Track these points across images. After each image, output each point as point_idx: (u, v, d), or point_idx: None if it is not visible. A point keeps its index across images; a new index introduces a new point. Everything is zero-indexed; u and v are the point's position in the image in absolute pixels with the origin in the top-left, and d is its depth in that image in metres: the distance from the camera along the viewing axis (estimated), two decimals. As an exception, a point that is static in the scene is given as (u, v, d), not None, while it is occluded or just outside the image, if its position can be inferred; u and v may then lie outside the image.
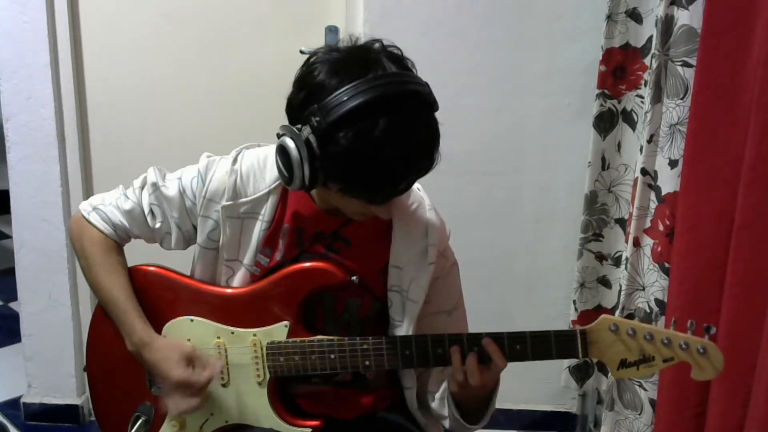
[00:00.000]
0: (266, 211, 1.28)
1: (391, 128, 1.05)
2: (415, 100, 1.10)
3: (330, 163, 1.09)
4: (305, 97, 1.10)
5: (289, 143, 1.10)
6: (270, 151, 1.27)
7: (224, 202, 1.27)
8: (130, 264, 1.36)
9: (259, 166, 1.29)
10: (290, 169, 1.11)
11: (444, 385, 1.32)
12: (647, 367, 1.19)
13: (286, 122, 1.15)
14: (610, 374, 1.25)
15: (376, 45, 1.13)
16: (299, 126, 1.10)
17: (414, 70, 1.14)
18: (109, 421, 1.40)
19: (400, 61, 1.12)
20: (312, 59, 1.13)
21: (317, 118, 1.07)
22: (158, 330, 1.31)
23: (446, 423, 1.34)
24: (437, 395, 1.35)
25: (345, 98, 1.05)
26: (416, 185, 1.30)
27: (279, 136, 1.13)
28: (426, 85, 1.12)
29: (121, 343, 1.31)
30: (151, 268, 1.35)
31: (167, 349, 1.28)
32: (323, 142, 1.07)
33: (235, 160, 1.29)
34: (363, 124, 1.05)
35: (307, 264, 1.27)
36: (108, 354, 1.36)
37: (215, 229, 1.29)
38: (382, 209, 1.20)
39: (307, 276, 1.27)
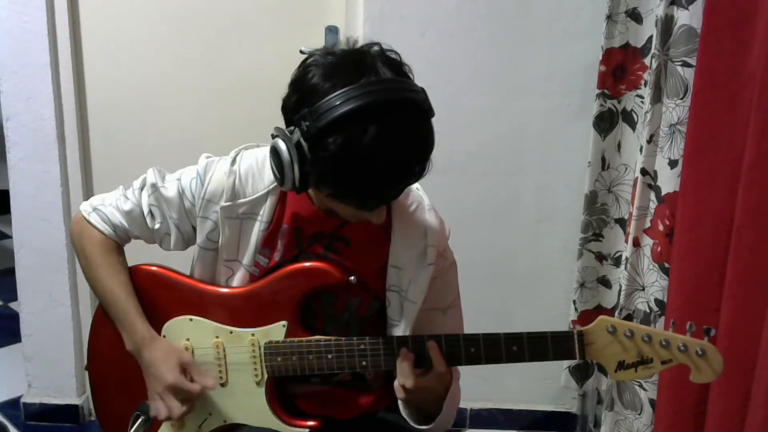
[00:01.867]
0: (265, 212, 1.27)
1: (381, 136, 1.04)
2: (408, 107, 1.08)
3: (319, 167, 1.08)
4: (298, 100, 1.10)
5: (281, 145, 1.10)
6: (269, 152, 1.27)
7: (223, 203, 1.27)
8: (130, 264, 1.36)
9: (258, 166, 1.28)
10: (281, 170, 1.11)
11: None
12: (645, 369, 1.18)
13: (283, 123, 1.14)
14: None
15: (374, 49, 1.11)
16: (291, 128, 1.10)
17: (411, 75, 1.13)
18: (109, 419, 1.40)
19: (396, 66, 1.10)
20: (307, 61, 1.12)
21: (308, 122, 1.06)
22: (158, 329, 1.31)
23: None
24: None
25: (336, 103, 1.04)
26: (415, 185, 1.29)
27: (273, 137, 1.13)
28: (421, 91, 1.10)
29: (121, 343, 1.31)
30: (152, 268, 1.36)
31: (166, 352, 1.28)
32: (313, 147, 1.07)
33: (233, 161, 1.29)
34: (352, 130, 1.04)
35: (306, 264, 1.27)
36: (109, 353, 1.36)
37: (214, 229, 1.29)
38: (375, 214, 1.18)
39: (305, 276, 1.27)
